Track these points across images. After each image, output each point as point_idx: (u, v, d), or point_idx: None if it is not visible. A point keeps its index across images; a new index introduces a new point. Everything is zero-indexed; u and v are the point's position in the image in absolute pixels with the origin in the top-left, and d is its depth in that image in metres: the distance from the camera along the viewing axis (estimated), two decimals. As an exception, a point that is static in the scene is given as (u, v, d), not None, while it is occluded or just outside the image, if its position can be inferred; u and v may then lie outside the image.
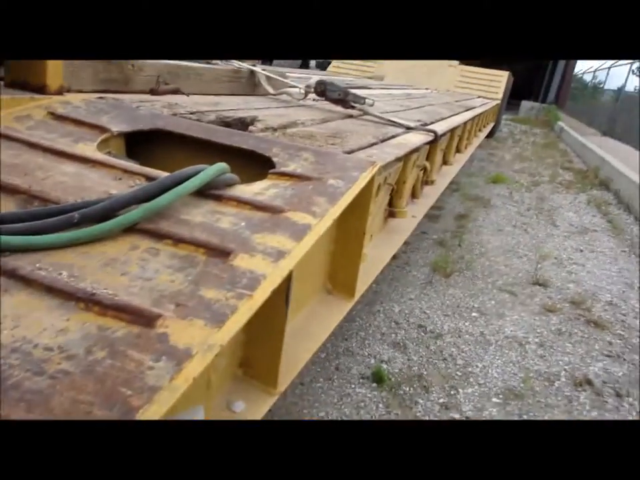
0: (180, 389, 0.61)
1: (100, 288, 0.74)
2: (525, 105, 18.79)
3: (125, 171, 1.11)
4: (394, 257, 2.45)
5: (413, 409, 2.00)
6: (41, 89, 1.45)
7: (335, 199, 1.13)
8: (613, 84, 14.88)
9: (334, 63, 9.48)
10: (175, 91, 2.03)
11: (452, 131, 3.42)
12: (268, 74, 2.80)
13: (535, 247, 4.14)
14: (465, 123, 4.23)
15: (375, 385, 2.10)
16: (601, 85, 16.81)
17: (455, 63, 9.06)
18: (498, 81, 8.83)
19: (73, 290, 0.73)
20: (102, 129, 1.33)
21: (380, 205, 1.93)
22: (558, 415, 2.09)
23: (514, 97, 12.62)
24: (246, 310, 0.77)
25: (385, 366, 2.24)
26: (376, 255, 1.82)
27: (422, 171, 2.58)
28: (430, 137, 2.40)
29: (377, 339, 2.46)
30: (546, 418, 2.06)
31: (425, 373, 2.25)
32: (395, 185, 2.06)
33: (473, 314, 2.88)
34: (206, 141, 1.38)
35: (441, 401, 2.08)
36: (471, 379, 2.25)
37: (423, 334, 2.58)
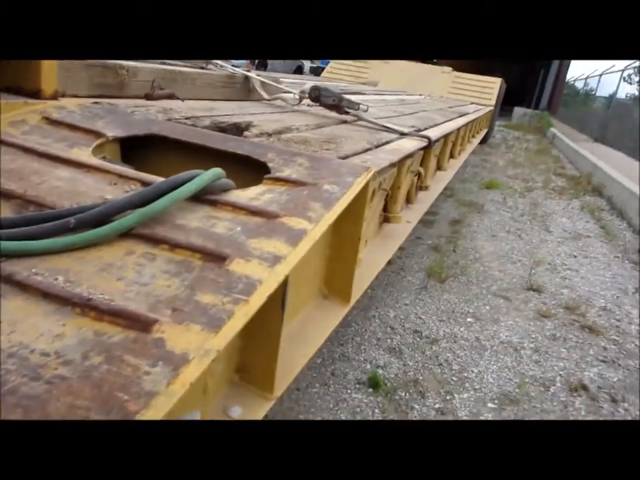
0: (177, 394, 0.61)
1: (96, 293, 0.74)
2: (518, 111, 18.90)
3: (120, 176, 1.11)
4: (389, 262, 2.45)
5: (409, 414, 2.00)
6: (36, 94, 1.44)
7: (330, 204, 1.13)
8: (604, 91, 15.02)
9: (328, 68, 9.52)
10: (170, 96, 2.03)
11: (446, 136, 3.43)
12: (262, 79, 2.80)
13: (529, 252, 4.16)
14: (459, 129, 4.25)
15: (370, 390, 2.10)
16: (593, 92, 16.95)
17: (448, 69, 9.11)
18: (491, 87, 8.89)
19: (69, 295, 0.73)
20: (97, 134, 1.33)
21: (375, 210, 1.94)
22: (553, 420, 2.09)
23: (507, 103, 12.70)
24: (242, 315, 0.77)
25: (380, 371, 2.24)
26: (371, 260, 1.82)
27: (416, 177, 2.58)
28: (424, 143, 2.40)
29: (373, 344, 2.46)
30: (541, 423, 2.06)
31: (421, 378, 2.25)
32: (390, 191, 2.07)
33: (468, 319, 2.89)
34: (201, 146, 1.38)
35: (437, 406, 2.08)
36: (467, 384, 2.26)
37: (418, 339, 2.58)
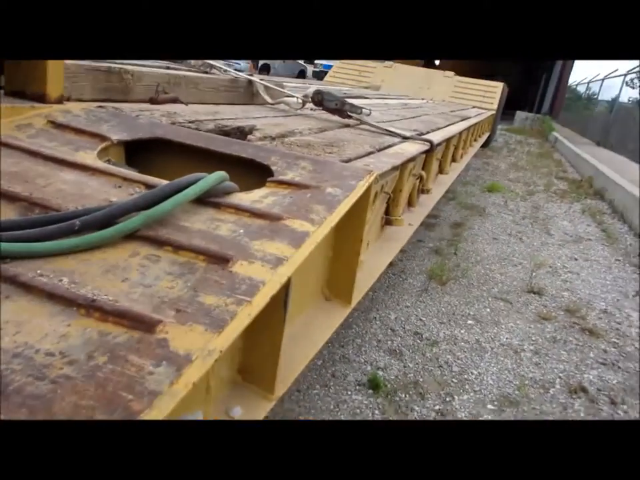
0: (180, 394, 0.62)
1: (101, 294, 0.75)
2: (520, 115, 18.90)
3: (125, 178, 1.12)
4: (390, 265, 2.47)
5: (409, 416, 2.01)
6: (41, 98, 1.46)
7: (333, 207, 1.15)
8: (606, 95, 15.01)
9: (330, 72, 9.55)
10: (174, 100, 2.05)
11: (448, 140, 3.45)
12: (266, 83, 2.82)
13: (530, 255, 4.17)
14: (461, 133, 4.26)
15: (371, 391, 2.11)
16: (595, 96, 16.95)
17: (451, 73, 9.13)
18: (493, 91, 8.90)
19: (74, 296, 0.74)
20: (102, 138, 1.34)
21: (377, 213, 1.95)
22: (553, 423, 2.10)
23: (509, 107, 12.71)
24: (245, 316, 0.78)
25: (381, 373, 2.24)
26: (373, 262, 1.83)
27: (418, 180, 2.60)
28: (426, 147, 2.42)
29: (373, 345, 2.47)
30: (541, 426, 2.06)
31: (421, 379, 2.25)
32: (392, 194, 2.08)
33: (469, 321, 2.89)
34: (205, 150, 1.39)
35: (437, 407, 2.08)
36: (467, 386, 2.26)
37: (418, 341, 2.59)
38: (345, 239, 1.42)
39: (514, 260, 4.00)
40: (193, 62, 2.80)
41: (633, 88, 13.16)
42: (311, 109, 2.72)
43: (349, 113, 2.51)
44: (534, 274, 3.68)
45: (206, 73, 2.65)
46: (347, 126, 2.51)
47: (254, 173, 1.34)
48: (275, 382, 1.01)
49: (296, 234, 1.00)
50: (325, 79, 9.53)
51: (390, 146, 2.13)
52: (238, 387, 1.01)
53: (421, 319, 2.82)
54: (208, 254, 0.88)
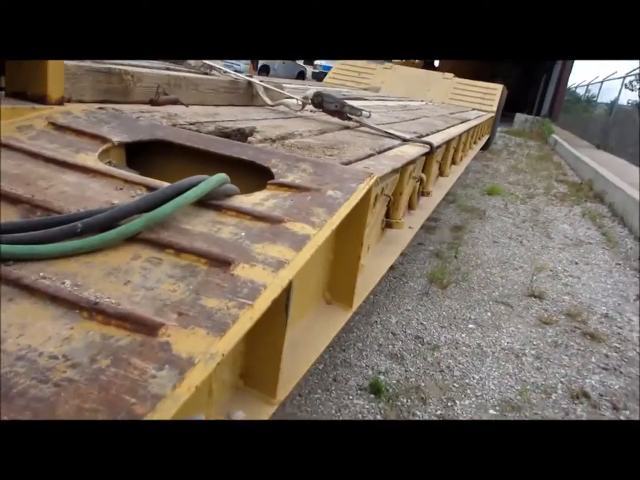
0: (183, 398, 0.62)
1: (103, 297, 0.75)
2: (519, 117, 18.92)
3: (126, 181, 1.12)
4: (391, 268, 2.46)
5: (410, 420, 2.00)
6: (42, 99, 1.46)
7: (334, 210, 1.14)
8: (605, 97, 15.02)
9: (330, 74, 9.56)
10: (174, 102, 2.05)
11: (447, 143, 3.45)
12: (265, 85, 2.82)
13: (531, 258, 4.16)
14: (460, 135, 4.26)
15: (372, 396, 2.10)
16: (594, 99, 16.97)
17: (450, 75, 9.14)
18: (492, 93, 8.91)
19: (77, 299, 0.73)
20: (103, 139, 1.34)
21: (377, 216, 1.94)
22: (554, 427, 2.09)
23: (508, 109, 12.72)
24: (247, 319, 0.77)
25: (382, 377, 2.24)
26: (373, 265, 1.83)
27: (418, 183, 2.60)
28: (426, 149, 2.42)
29: (375, 350, 2.46)
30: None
31: (423, 384, 2.25)
32: (392, 196, 2.08)
33: (470, 325, 2.89)
34: (205, 152, 1.39)
35: (439, 412, 2.08)
36: (468, 391, 2.26)
37: (420, 345, 2.58)
38: (346, 241, 1.41)
39: (514, 263, 4.00)
40: (192, 63, 2.80)
41: (632, 90, 13.17)
42: (311, 111, 2.72)
43: (348, 115, 2.51)
44: (534, 277, 3.68)
45: (206, 74, 2.65)
46: (347, 128, 2.51)
47: (254, 175, 1.34)
48: (277, 386, 1.01)
49: (297, 237, 1.00)
50: (325, 80, 9.54)
51: (390, 148, 2.13)
52: (240, 391, 1.01)
53: (421, 323, 2.82)
54: (209, 257, 0.88)
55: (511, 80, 18.85)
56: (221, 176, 1.09)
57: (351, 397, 2.08)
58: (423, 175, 2.65)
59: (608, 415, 2.24)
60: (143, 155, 1.43)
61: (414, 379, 2.27)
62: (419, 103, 7.21)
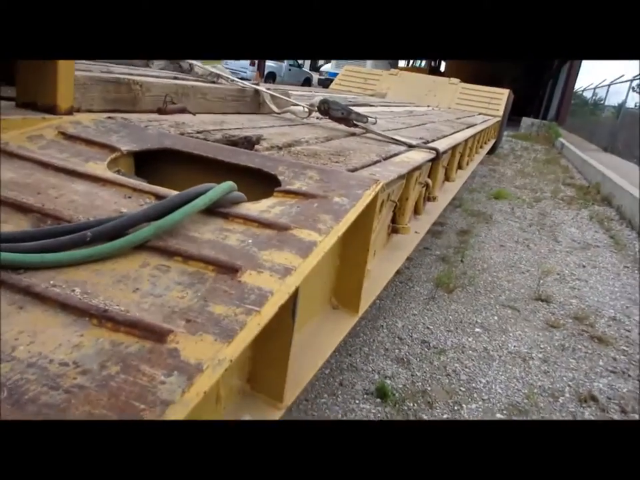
0: (191, 403, 0.63)
1: (112, 304, 0.76)
2: (526, 121, 18.88)
3: (135, 189, 1.14)
4: (397, 273, 2.47)
5: (417, 425, 2.00)
6: (52, 109, 1.48)
7: (340, 216, 1.16)
8: (613, 100, 14.96)
9: (336, 80, 9.59)
10: (182, 110, 2.07)
11: (453, 148, 3.45)
12: (272, 93, 2.84)
13: (537, 262, 4.15)
14: (466, 140, 4.27)
15: (379, 400, 2.11)
16: (602, 102, 16.91)
17: (456, 80, 9.14)
18: (498, 98, 8.90)
19: (86, 306, 0.75)
20: (111, 148, 1.36)
21: (383, 222, 1.95)
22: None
23: (515, 113, 12.69)
24: (254, 325, 0.79)
25: (388, 381, 2.24)
26: (379, 270, 1.84)
27: (424, 188, 2.60)
28: (432, 155, 2.43)
29: (381, 354, 2.47)
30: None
31: (429, 388, 2.25)
32: (398, 202, 2.09)
33: (476, 329, 2.89)
34: (213, 160, 1.40)
35: (445, 416, 2.08)
36: (475, 395, 2.26)
37: (426, 349, 2.59)
38: (352, 247, 1.43)
39: (521, 267, 3.99)
40: (200, 72, 2.83)
41: (640, 93, 13.11)
42: (317, 118, 2.74)
43: (354, 122, 2.52)
44: (541, 281, 3.67)
45: (213, 82, 2.68)
46: (353, 135, 2.52)
47: (261, 182, 1.36)
48: (284, 391, 1.02)
49: (303, 243, 1.01)
50: (331, 86, 9.57)
51: (396, 154, 2.14)
52: (247, 396, 1.02)
53: (428, 327, 2.82)
54: (217, 264, 0.89)
55: (518, 84, 18.84)
56: (228, 184, 1.11)
57: (357, 401, 2.08)
58: (429, 180, 2.66)
59: (616, 418, 2.23)
60: (151, 163, 1.45)
61: (420, 383, 2.28)
62: (425, 108, 7.23)
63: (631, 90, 12.94)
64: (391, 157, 2.07)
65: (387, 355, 2.47)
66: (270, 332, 0.88)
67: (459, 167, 4.24)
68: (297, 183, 1.30)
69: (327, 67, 26.14)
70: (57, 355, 0.66)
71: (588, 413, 2.24)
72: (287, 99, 2.89)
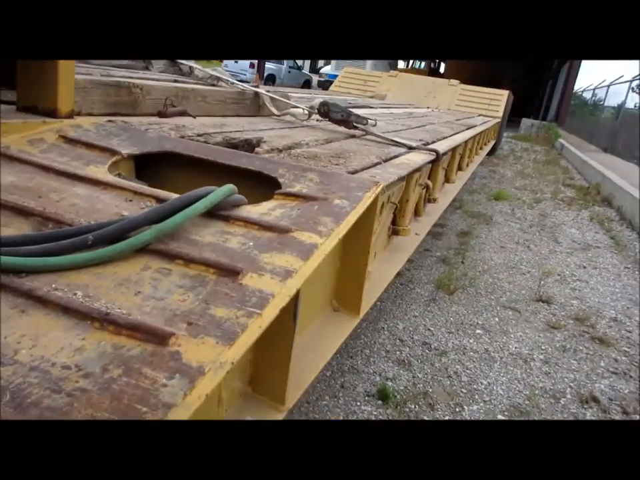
0: (194, 406, 0.63)
1: (114, 308, 0.77)
2: (525, 122, 18.88)
3: (136, 192, 1.14)
4: (398, 275, 2.47)
5: (419, 427, 2.00)
6: (53, 113, 1.48)
7: (340, 219, 1.16)
8: (612, 101, 14.97)
9: (336, 82, 9.60)
10: (182, 113, 2.07)
11: (453, 149, 3.46)
12: (272, 95, 2.85)
13: (538, 263, 4.15)
14: (466, 142, 4.27)
15: (380, 402, 2.11)
16: (601, 102, 16.92)
17: (456, 82, 9.15)
18: (498, 99, 8.90)
19: (88, 310, 0.75)
20: (112, 152, 1.36)
21: (384, 224, 1.96)
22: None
23: (514, 114, 12.70)
24: (255, 328, 0.79)
25: (390, 383, 2.24)
26: (380, 272, 1.84)
27: (424, 190, 2.61)
28: (432, 156, 2.43)
29: (382, 356, 2.47)
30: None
31: (430, 390, 2.25)
32: (398, 204, 2.09)
33: (477, 331, 2.89)
34: (213, 163, 1.41)
35: (447, 418, 2.08)
36: (476, 396, 2.26)
37: (427, 351, 2.59)
38: (353, 250, 1.43)
39: (522, 268, 3.99)
40: (200, 75, 2.83)
41: (639, 94, 13.11)
42: (317, 120, 2.75)
43: (354, 124, 2.52)
44: (542, 282, 3.67)
45: (213, 85, 2.68)
46: (353, 137, 2.52)
47: (262, 185, 1.36)
48: (285, 393, 1.02)
49: (304, 246, 1.01)
50: (330, 88, 9.59)
51: (396, 156, 2.14)
52: (249, 399, 1.02)
53: (429, 329, 2.82)
54: (218, 267, 0.90)
55: (517, 85, 18.85)
56: (229, 187, 1.11)
57: (358, 403, 2.08)
58: (429, 182, 2.66)
59: (618, 419, 2.23)
60: (151, 166, 1.45)
61: (422, 385, 2.28)
62: (425, 109, 7.23)
63: (630, 90, 12.95)
64: (391, 158, 2.07)
65: (388, 356, 2.47)
66: (271, 334, 0.88)
67: (459, 168, 4.24)
68: (298, 186, 1.30)
69: (327, 69, 26.14)
70: (59, 359, 0.67)
71: (589, 414, 2.24)
72: (287, 101, 2.89)
